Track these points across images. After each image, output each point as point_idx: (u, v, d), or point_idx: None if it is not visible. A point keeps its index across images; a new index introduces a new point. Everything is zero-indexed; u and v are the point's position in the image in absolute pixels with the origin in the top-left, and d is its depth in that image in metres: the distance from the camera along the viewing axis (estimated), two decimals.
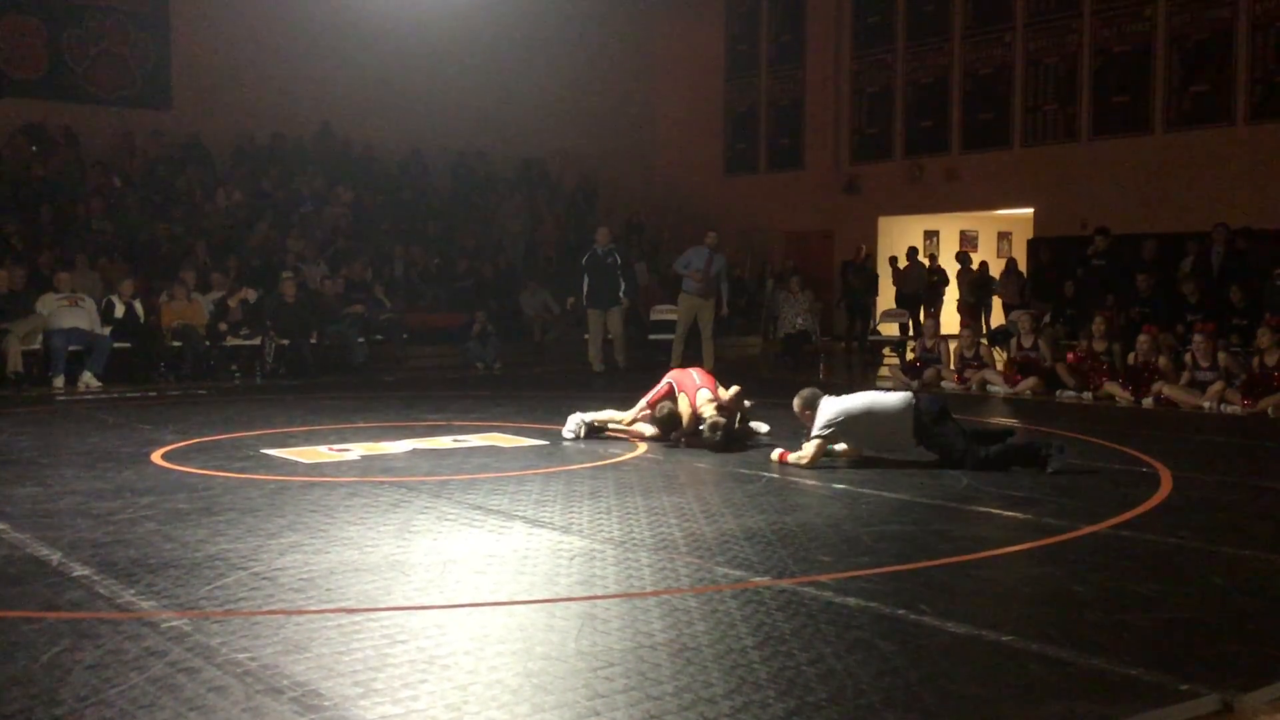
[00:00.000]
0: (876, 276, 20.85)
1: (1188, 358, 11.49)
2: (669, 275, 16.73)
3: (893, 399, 7.32)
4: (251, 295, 14.90)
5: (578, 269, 15.73)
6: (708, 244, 15.10)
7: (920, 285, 20.01)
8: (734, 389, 8.56)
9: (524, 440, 8.54)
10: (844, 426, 7.23)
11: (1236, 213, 15.54)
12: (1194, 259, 14.29)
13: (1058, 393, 12.23)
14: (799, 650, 3.67)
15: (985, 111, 20.17)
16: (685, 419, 8.32)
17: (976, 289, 19.60)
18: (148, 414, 10.27)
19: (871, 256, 21.12)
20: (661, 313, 17.35)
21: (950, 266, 20.73)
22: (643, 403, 8.69)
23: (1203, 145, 17.30)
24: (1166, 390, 11.26)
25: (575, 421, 8.64)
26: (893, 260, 20.64)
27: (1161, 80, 17.84)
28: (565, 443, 8.46)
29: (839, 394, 7.49)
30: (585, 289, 15.10)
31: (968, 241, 23.02)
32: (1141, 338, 11.78)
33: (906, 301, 19.89)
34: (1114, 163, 18.22)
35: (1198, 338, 11.35)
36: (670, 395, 8.56)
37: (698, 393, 8.38)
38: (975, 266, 20.42)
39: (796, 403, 7.55)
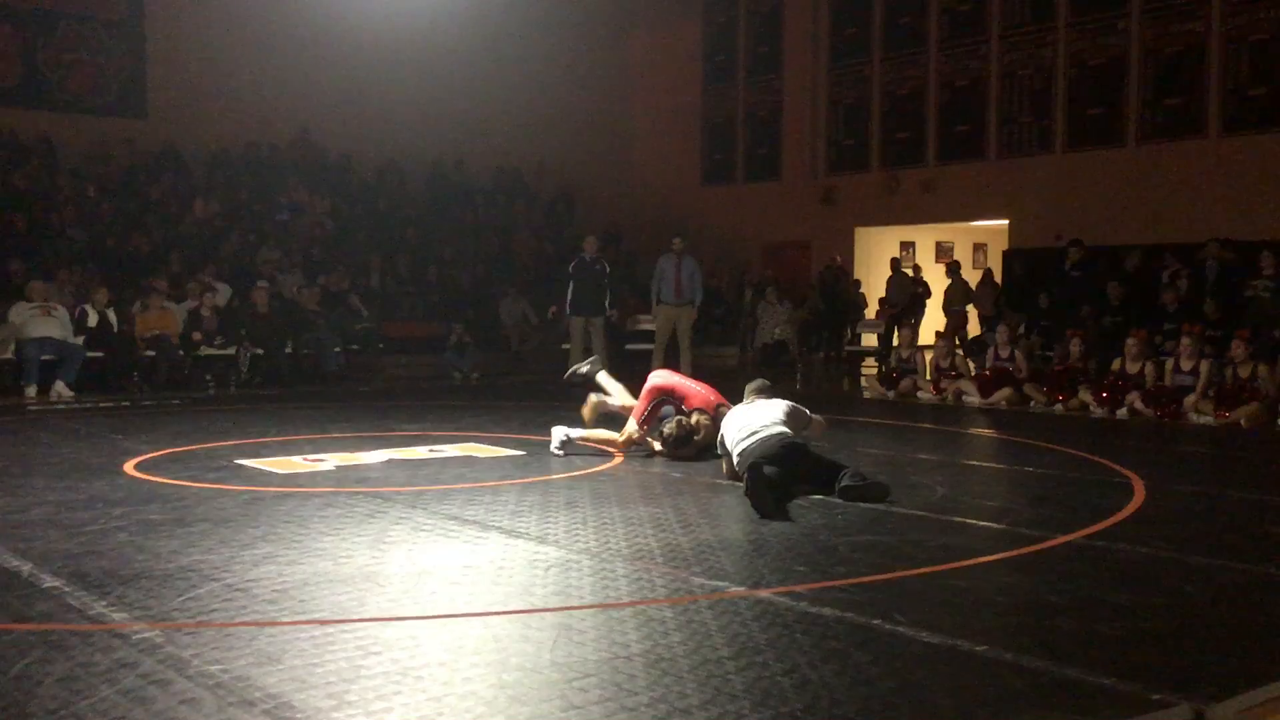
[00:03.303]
0: (858, 283, 20.92)
1: (1169, 363, 11.56)
2: (647, 285, 16.70)
3: (742, 445, 6.79)
4: (221, 297, 14.84)
5: (560, 277, 15.68)
6: (674, 249, 15.11)
7: (904, 296, 20.06)
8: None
9: (500, 450, 8.52)
10: (723, 448, 7.15)
11: (1209, 225, 15.67)
12: (1189, 271, 14.38)
13: (1031, 403, 12.30)
14: (774, 661, 3.67)
15: (961, 123, 20.28)
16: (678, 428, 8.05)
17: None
18: (121, 424, 10.20)
19: (846, 267, 21.19)
20: (639, 323, 17.34)
21: (933, 278, 20.77)
22: (632, 423, 8.33)
23: (1176, 158, 17.44)
24: (1139, 405, 11.32)
25: (560, 436, 8.41)
26: (894, 263, 20.61)
27: (1135, 93, 17.98)
28: (552, 453, 8.31)
29: (788, 400, 7.38)
30: (570, 296, 15.02)
31: (944, 252, 23.14)
32: (1130, 341, 11.82)
33: (889, 312, 19.92)
34: (1088, 175, 18.35)
35: (1185, 340, 11.42)
36: (661, 405, 8.30)
37: (691, 400, 8.18)
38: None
39: (745, 391, 7.55)
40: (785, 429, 6.87)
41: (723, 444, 7.19)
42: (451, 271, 18.95)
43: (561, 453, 8.32)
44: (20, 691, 3.36)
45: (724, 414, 7.86)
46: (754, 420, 6.92)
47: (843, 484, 6.49)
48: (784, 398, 7.40)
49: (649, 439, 8.30)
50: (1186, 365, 11.32)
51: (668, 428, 8.06)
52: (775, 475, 6.25)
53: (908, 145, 21.08)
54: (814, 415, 7.30)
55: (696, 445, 8.03)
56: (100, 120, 19.01)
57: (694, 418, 8.08)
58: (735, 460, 6.80)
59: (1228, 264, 14.05)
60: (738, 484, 6.84)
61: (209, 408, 11.86)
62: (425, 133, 21.23)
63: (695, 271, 15.16)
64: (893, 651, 3.80)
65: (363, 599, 4.41)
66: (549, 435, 8.48)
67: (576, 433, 8.51)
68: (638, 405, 8.39)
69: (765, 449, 6.59)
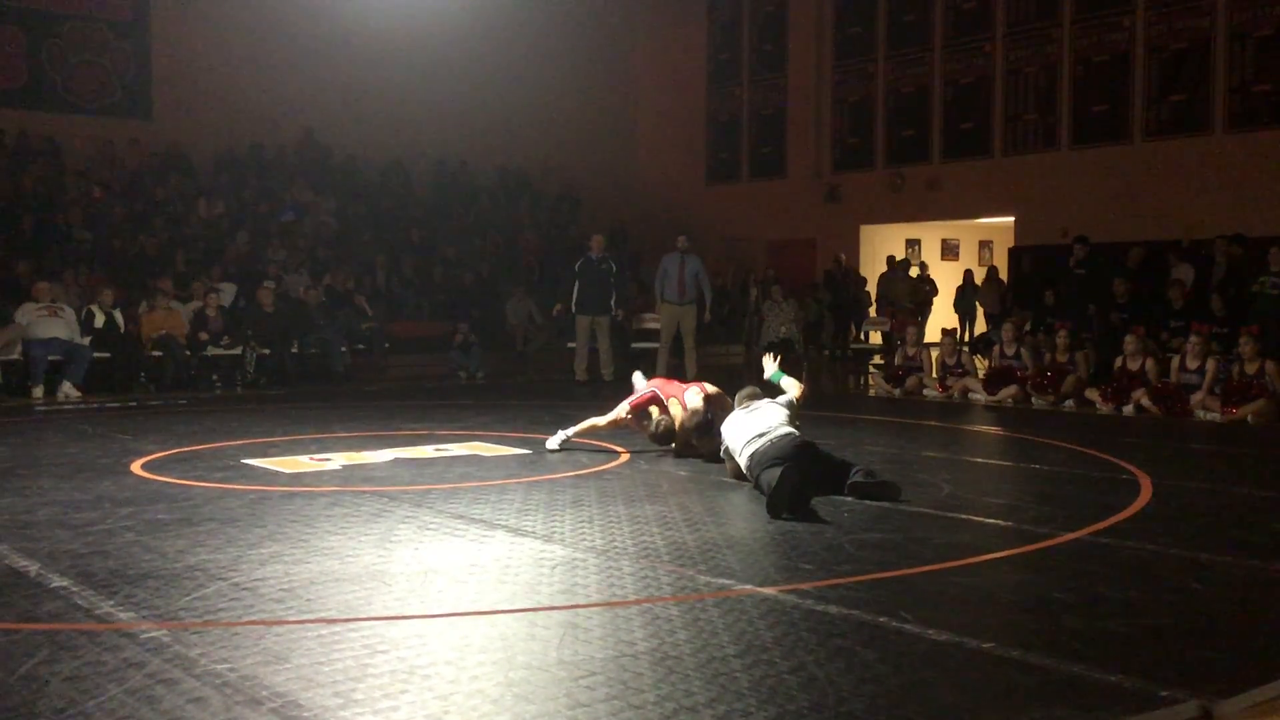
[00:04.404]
0: (864, 280, 20.92)
1: (1175, 361, 11.55)
2: (651, 284, 16.71)
3: (752, 447, 6.73)
4: (227, 297, 14.86)
5: (566, 276, 15.69)
6: (679, 248, 15.09)
7: (904, 294, 20.06)
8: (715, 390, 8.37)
9: (506, 449, 8.53)
10: (729, 454, 7.12)
11: (1215, 222, 15.64)
12: (1194, 268, 14.37)
13: (1033, 399, 12.29)
14: (780, 659, 3.67)
15: (966, 121, 20.26)
16: (678, 423, 8.14)
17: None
18: (127, 424, 10.22)
19: (851, 265, 21.18)
20: (645, 322, 17.33)
21: (941, 275, 20.80)
22: (625, 405, 8.48)
23: (1181, 154, 17.41)
24: (1145, 402, 11.30)
25: (559, 439, 8.53)
26: (890, 260, 20.67)
27: (1140, 90, 17.96)
28: (549, 451, 8.37)
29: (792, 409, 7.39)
30: (575, 295, 15.02)
31: (949, 250, 23.15)
32: (1128, 339, 11.83)
33: (890, 309, 19.93)
34: (1093, 171, 18.33)
35: (1193, 338, 11.40)
36: (655, 401, 8.38)
37: (685, 393, 8.26)
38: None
39: (735, 399, 7.53)
40: (793, 429, 6.86)
41: (727, 448, 7.18)
42: (456, 271, 18.96)
43: (557, 447, 8.40)
44: (28, 691, 3.37)
45: (674, 407, 8.15)
46: (760, 423, 6.90)
47: (853, 480, 6.48)
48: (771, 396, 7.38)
49: (643, 425, 8.43)
50: (1193, 365, 11.30)
51: (651, 427, 8.26)
52: (800, 480, 6.13)
53: (912, 143, 21.07)
54: (794, 385, 7.31)
55: (683, 438, 8.09)
56: (106, 121, 19.05)
57: (660, 417, 8.21)
58: (746, 462, 6.78)
59: (1235, 260, 14.02)
60: (744, 482, 6.84)
61: (215, 407, 11.87)
62: (430, 132, 21.25)
63: (700, 271, 15.12)
64: (899, 649, 3.79)
65: (369, 598, 4.41)
66: (554, 435, 8.52)
67: (571, 431, 8.58)
68: (635, 396, 8.55)
69: (779, 449, 6.55)
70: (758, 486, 6.47)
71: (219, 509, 6.16)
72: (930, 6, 20.61)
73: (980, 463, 8.63)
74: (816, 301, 20.18)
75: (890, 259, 20.66)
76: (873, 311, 20.43)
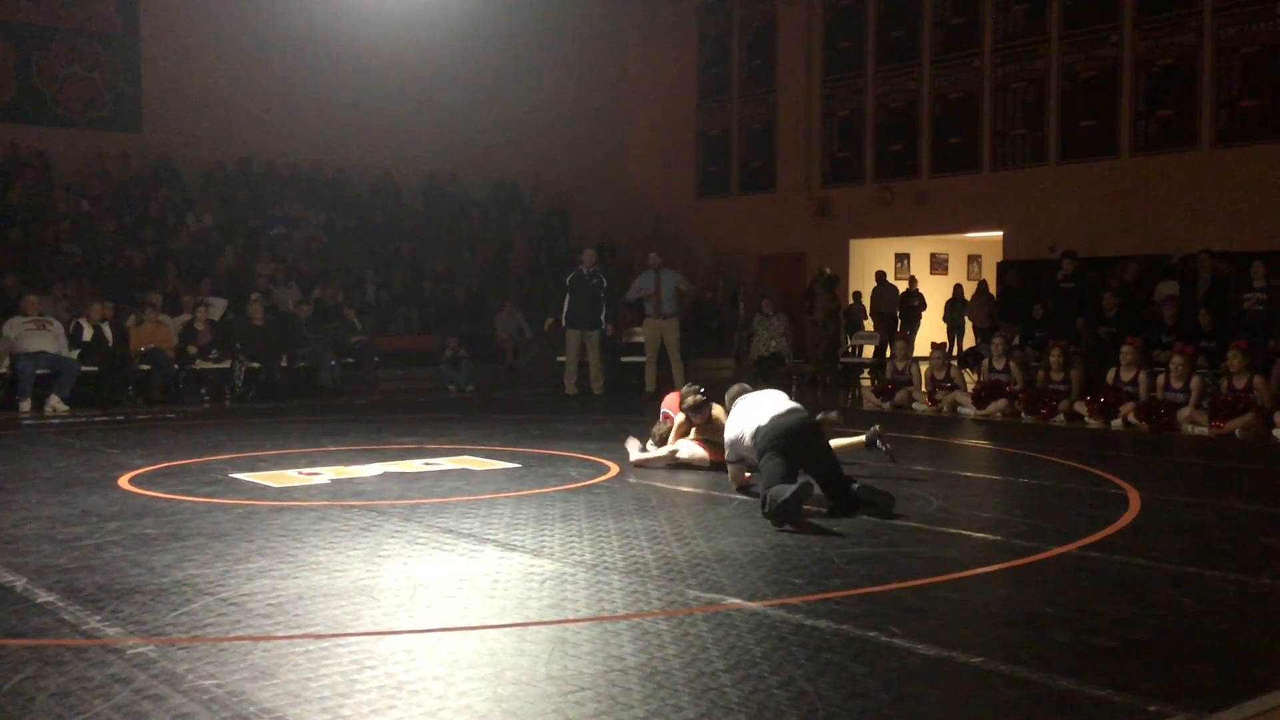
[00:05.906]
0: (858, 294, 20.92)
1: (1160, 379, 11.57)
2: (640, 298, 16.72)
3: (769, 421, 6.63)
4: (216, 311, 14.83)
5: (556, 289, 15.71)
6: (651, 265, 15.21)
7: (892, 307, 20.09)
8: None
9: (496, 463, 8.52)
10: (736, 451, 7.02)
11: (1202, 237, 15.70)
12: (1179, 283, 14.44)
13: (1022, 415, 12.31)
14: (770, 673, 3.67)
15: (954, 136, 20.32)
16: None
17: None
18: (115, 438, 10.18)
19: (836, 278, 21.17)
20: (634, 336, 17.35)
21: (930, 289, 20.81)
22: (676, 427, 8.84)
23: (1169, 169, 17.48)
24: (1133, 418, 11.32)
25: (636, 449, 8.80)
26: (880, 275, 20.68)
27: (1128, 105, 18.04)
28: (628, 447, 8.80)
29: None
30: (566, 308, 15.03)
31: (938, 264, 23.19)
32: (1125, 349, 11.85)
33: (879, 323, 19.95)
34: (1081, 186, 18.39)
35: (1177, 359, 11.43)
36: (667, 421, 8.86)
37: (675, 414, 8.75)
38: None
39: (725, 399, 7.54)
40: (798, 405, 6.83)
41: (734, 446, 7.06)
42: (446, 284, 18.97)
43: (644, 452, 8.68)
44: (14, 707, 3.35)
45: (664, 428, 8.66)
46: (770, 404, 6.83)
47: (853, 488, 6.47)
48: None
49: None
50: (1177, 384, 11.34)
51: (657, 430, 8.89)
52: (808, 490, 6.18)
53: (902, 157, 21.12)
54: None
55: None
56: (95, 134, 19.02)
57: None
58: (750, 442, 6.65)
59: (1221, 275, 14.08)
60: (737, 496, 6.84)
61: (203, 421, 11.84)
62: (420, 146, 21.26)
63: (677, 283, 15.24)
64: (889, 664, 3.79)
65: (358, 613, 4.40)
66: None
67: (648, 453, 8.82)
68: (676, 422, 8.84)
69: (788, 424, 6.47)
70: (757, 469, 6.46)
71: (207, 523, 6.14)
72: (919, 22, 20.69)
73: (969, 477, 8.64)
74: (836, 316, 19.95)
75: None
76: (868, 325, 20.43)
